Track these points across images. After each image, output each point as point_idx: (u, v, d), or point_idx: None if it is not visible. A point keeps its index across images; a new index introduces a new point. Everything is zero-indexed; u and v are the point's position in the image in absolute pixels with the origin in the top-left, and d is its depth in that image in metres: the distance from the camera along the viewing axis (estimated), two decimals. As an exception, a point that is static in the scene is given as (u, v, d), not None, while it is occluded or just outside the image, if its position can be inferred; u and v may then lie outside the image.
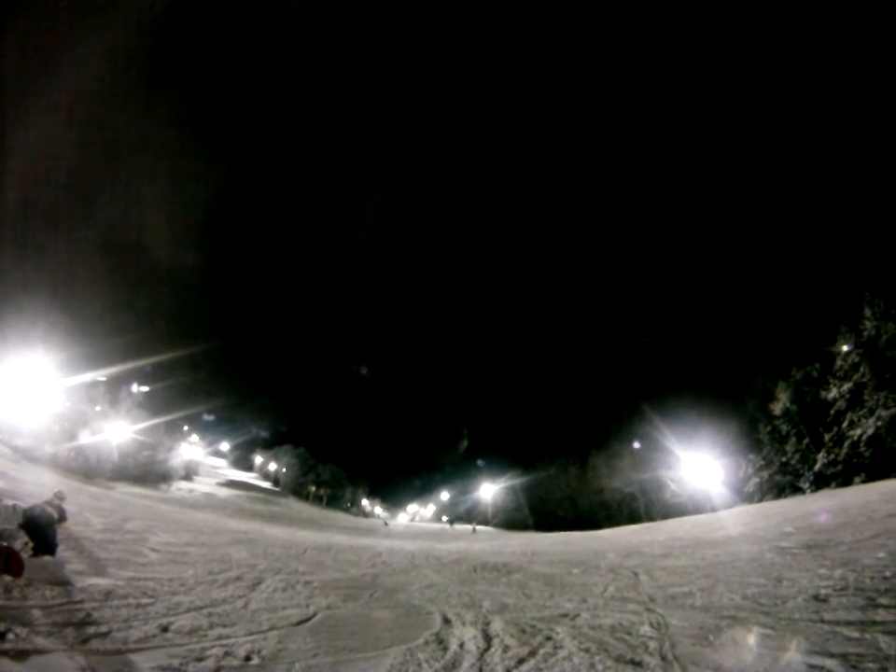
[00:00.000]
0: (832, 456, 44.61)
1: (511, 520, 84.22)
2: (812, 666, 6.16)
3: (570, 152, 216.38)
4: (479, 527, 77.28)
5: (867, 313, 44.10)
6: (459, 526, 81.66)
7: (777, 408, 51.03)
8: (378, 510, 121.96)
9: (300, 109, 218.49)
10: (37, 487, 23.93)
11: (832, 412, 46.17)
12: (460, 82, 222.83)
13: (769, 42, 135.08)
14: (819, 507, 25.55)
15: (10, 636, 6.46)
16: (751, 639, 7.43)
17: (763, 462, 51.29)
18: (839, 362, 46.25)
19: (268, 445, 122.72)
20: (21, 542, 10.14)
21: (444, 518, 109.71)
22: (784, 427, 50.64)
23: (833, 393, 46.11)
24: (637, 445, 67.38)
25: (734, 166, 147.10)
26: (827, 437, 45.87)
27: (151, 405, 71.30)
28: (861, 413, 43.21)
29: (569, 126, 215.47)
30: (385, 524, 71.18)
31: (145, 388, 74.74)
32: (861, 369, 43.91)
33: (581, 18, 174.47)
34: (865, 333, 44.23)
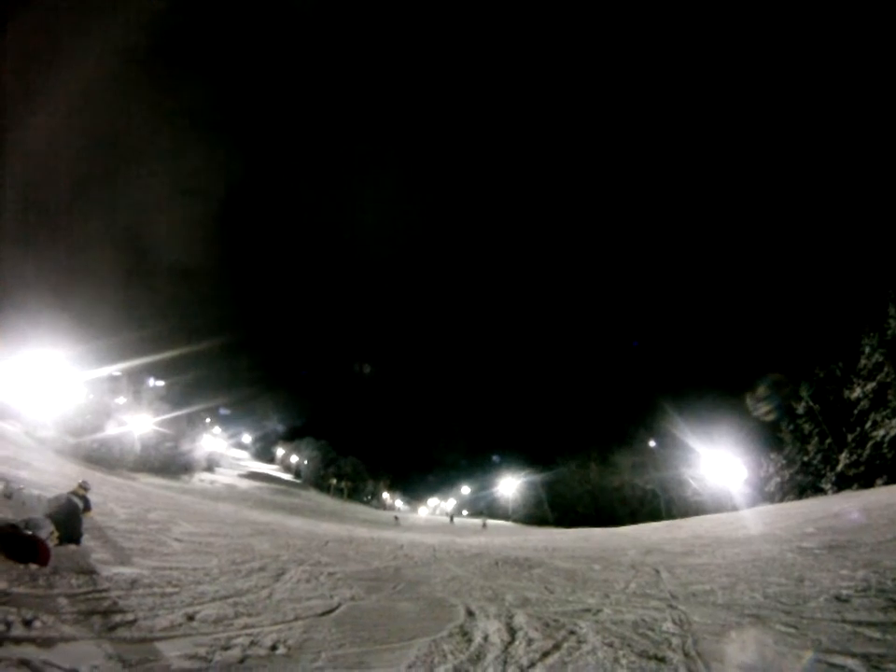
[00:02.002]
0: (854, 457, 44.11)
1: (531, 515, 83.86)
2: (833, 665, 6.20)
3: (578, 154, 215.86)
4: (492, 522, 75.27)
5: (892, 311, 43.60)
6: (459, 521, 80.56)
7: (799, 406, 50.61)
8: (398, 503, 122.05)
9: (310, 109, 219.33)
10: (61, 478, 24.16)
11: (855, 411, 45.55)
12: (462, 85, 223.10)
13: (773, 41, 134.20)
14: (842, 508, 25.42)
15: (37, 623, 6.46)
16: (773, 637, 7.44)
17: (784, 461, 50.74)
18: (863, 361, 45.58)
19: (287, 438, 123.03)
20: (47, 531, 10.17)
21: (464, 512, 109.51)
22: (806, 427, 50.07)
23: (857, 392, 45.49)
24: (657, 442, 67.15)
25: (759, 163, 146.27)
26: (850, 437, 45.31)
27: (173, 397, 71.80)
28: (884, 413, 42.69)
29: (575, 131, 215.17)
30: (396, 518, 70.00)
31: (163, 382, 75.27)
32: (886, 368, 43.39)
33: (582, 18, 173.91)
34: (889, 332, 43.72)
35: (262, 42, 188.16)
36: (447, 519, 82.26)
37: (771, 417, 52.27)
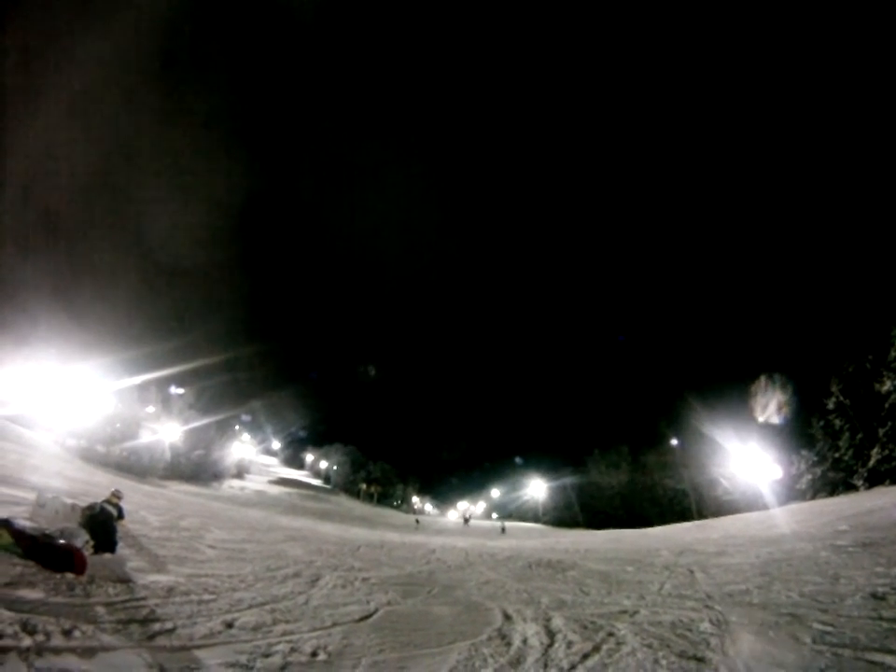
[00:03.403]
0: (886, 452, 43.44)
1: (561, 517, 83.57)
2: (872, 663, 6.21)
3: (572, 155, 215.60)
4: (515, 524, 74.78)
5: (922, 303, 43.22)
6: (475, 522, 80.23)
7: (830, 402, 50.08)
8: (428, 506, 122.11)
9: (322, 116, 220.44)
10: (93, 486, 24.41)
11: (886, 405, 44.92)
12: (465, 89, 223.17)
13: (779, 40, 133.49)
14: (874, 504, 25.23)
15: (76, 633, 6.49)
16: (811, 636, 7.40)
17: (815, 458, 50.02)
18: (893, 353, 45.03)
19: (313, 444, 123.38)
20: (83, 540, 10.26)
21: (493, 516, 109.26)
22: (837, 422, 49.28)
23: (888, 386, 44.80)
24: (687, 441, 66.79)
25: (793, 160, 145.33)
26: (881, 432, 44.56)
27: (201, 405, 72.26)
28: (916, 406, 42.25)
29: (571, 128, 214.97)
30: (417, 521, 69.51)
31: (191, 390, 75.68)
32: (917, 360, 42.99)
33: (583, 17, 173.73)
34: (920, 324, 43.29)
35: (271, 47, 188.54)
36: (461, 522, 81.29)
37: (777, 418, 51.94)
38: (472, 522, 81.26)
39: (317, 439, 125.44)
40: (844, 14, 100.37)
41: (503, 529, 61.58)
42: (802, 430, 52.40)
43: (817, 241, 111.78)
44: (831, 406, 49.76)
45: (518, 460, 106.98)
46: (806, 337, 65.89)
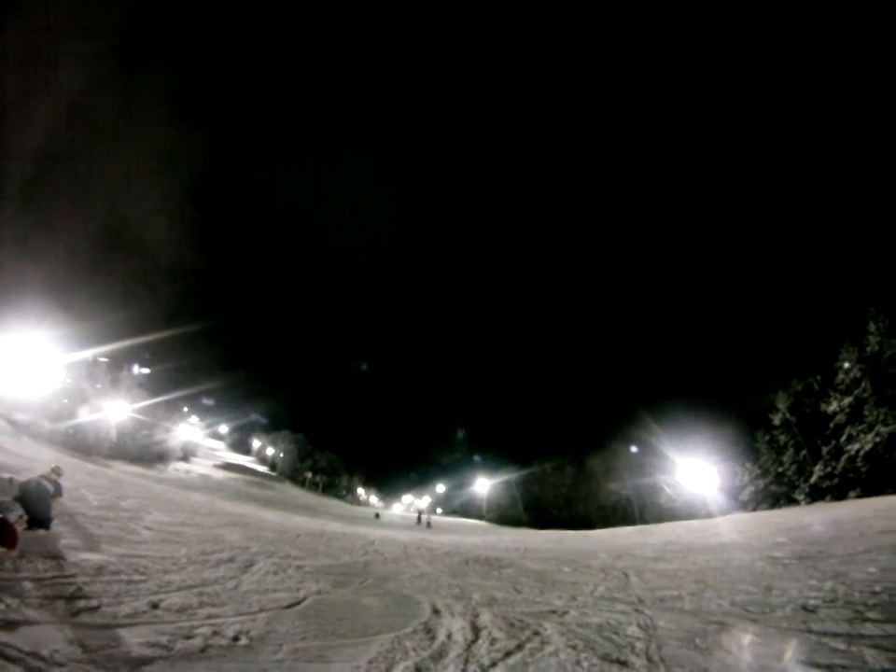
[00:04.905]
0: (828, 469, 44.59)
1: (506, 516, 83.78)
2: (795, 676, 6.22)
3: (570, 154, 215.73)
4: (455, 520, 75.57)
5: (871, 328, 44.16)
6: (386, 517, 79.58)
7: (776, 418, 51.03)
8: (373, 499, 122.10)
9: (305, 100, 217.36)
10: (34, 462, 24.01)
11: (831, 425, 46.12)
12: (460, 78, 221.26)
13: (771, 43, 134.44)
14: (814, 518, 25.62)
15: (1, 606, 6.50)
16: (738, 645, 7.46)
17: (759, 471, 51.27)
18: (841, 376, 46.15)
19: (265, 430, 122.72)
20: (16, 515, 10.11)
21: (439, 510, 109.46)
22: (782, 438, 50.65)
23: (834, 406, 46.09)
24: (634, 448, 67.44)
25: (739, 173, 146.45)
26: (825, 450, 45.85)
27: (152, 385, 71.51)
28: (860, 427, 43.18)
29: (571, 128, 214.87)
30: (377, 515, 69.16)
31: (146, 370, 75.00)
32: (863, 384, 43.91)
33: (581, 17, 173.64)
34: (868, 349, 44.29)
35: (232, 23, 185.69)
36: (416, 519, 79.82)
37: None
38: (385, 515, 78.54)
39: (266, 425, 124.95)
40: (844, 14, 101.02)
41: (428, 524, 60.00)
42: (747, 443, 53.51)
43: (771, 265, 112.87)
44: (776, 422, 51.22)
45: (477, 458, 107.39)
46: (756, 354, 66.81)
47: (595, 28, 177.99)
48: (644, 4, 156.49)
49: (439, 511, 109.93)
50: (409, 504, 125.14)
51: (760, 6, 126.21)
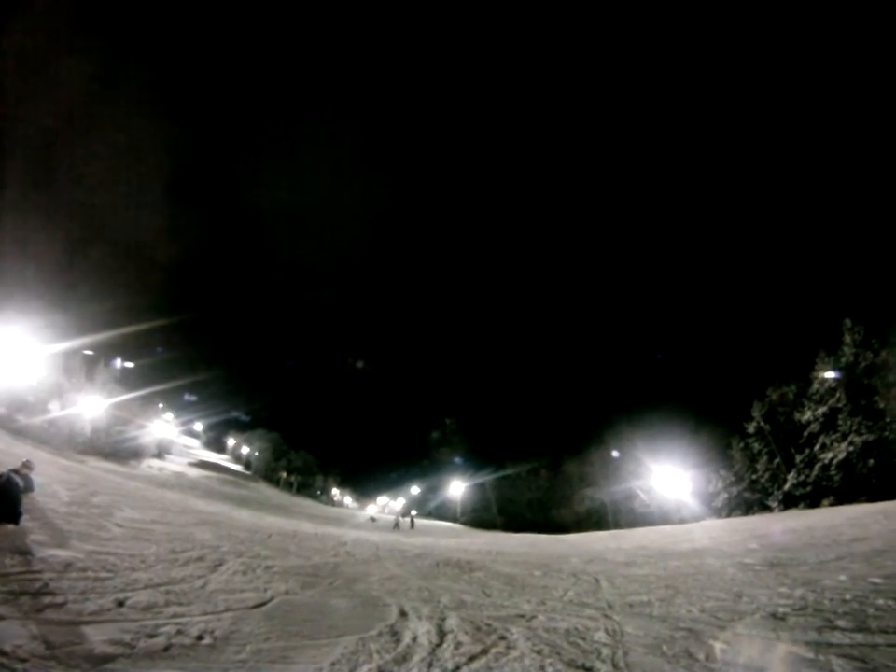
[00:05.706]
0: (801, 477, 45.07)
1: (480, 519, 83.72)
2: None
3: (564, 155, 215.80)
4: (429, 522, 75.45)
5: (847, 339, 44.73)
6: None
7: (750, 426, 51.54)
8: (347, 499, 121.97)
9: (290, 96, 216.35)
10: (6, 456, 23.77)
11: (805, 434, 46.71)
12: (457, 74, 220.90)
13: (768, 48, 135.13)
14: (786, 526, 25.76)
15: (-37, 600, 6.47)
16: (705, 653, 7.47)
17: (733, 478, 51.81)
18: (815, 386, 46.84)
19: (241, 429, 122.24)
20: (-17, 509, 10.08)
21: (413, 512, 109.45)
22: (756, 446, 51.24)
23: (808, 416, 46.70)
24: (608, 454, 67.63)
25: (723, 181, 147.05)
26: (798, 458, 46.36)
27: (128, 381, 71.01)
28: (833, 437, 43.71)
29: (570, 129, 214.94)
30: (372, 519, 68.54)
31: (129, 364, 74.68)
32: (838, 394, 44.43)
33: (580, 16, 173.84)
34: (843, 359, 44.84)
35: (207, 14, 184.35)
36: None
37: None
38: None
39: (241, 423, 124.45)
40: (844, 14, 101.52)
41: (396, 524, 58.15)
42: (722, 451, 54.00)
43: (748, 274, 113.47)
44: (751, 430, 51.89)
45: (457, 460, 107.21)
46: (732, 363, 67.23)
47: (591, 24, 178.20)
48: (644, 3, 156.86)
49: (413, 512, 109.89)
50: (383, 505, 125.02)
51: (760, 6, 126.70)
